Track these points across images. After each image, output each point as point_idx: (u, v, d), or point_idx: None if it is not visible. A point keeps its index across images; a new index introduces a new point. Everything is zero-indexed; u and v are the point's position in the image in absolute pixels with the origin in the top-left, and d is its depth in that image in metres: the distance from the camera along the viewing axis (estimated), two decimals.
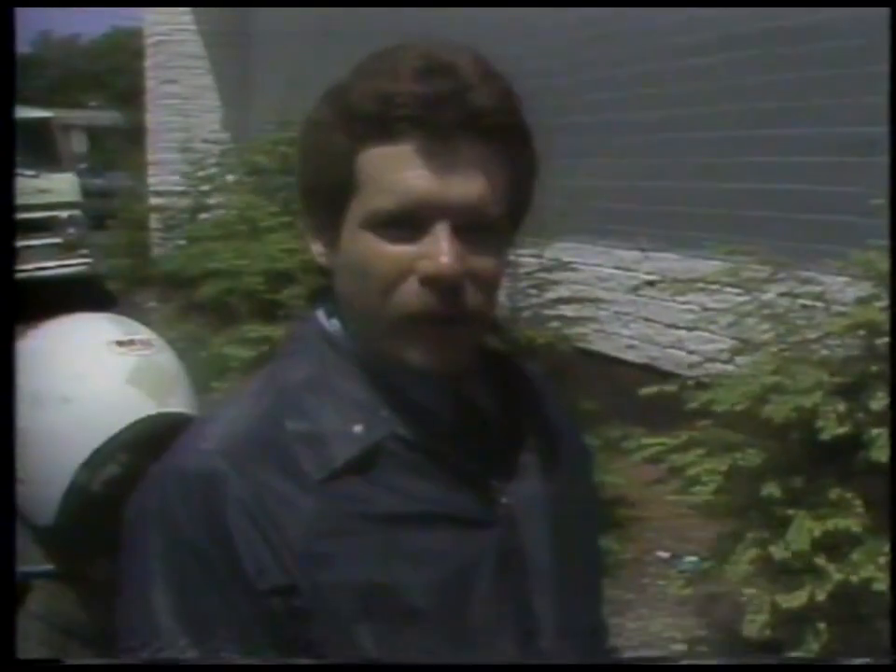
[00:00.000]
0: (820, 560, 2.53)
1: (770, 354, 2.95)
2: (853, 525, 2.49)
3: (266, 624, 0.86)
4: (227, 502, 0.86)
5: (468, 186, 0.87)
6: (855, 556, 2.50)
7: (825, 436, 2.55)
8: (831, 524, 2.52)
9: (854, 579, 2.45)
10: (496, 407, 1.00)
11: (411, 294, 0.88)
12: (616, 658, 1.06)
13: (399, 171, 0.87)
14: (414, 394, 0.93)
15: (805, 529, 2.53)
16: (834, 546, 2.56)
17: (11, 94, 1.21)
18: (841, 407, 2.57)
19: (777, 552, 2.57)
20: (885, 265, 2.73)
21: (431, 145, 0.86)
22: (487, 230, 0.90)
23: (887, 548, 2.46)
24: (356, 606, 0.87)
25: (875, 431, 2.48)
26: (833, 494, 2.59)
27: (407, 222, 0.87)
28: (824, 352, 2.86)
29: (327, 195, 0.92)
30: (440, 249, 0.86)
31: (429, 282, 0.87)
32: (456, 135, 0.87)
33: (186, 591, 0.86)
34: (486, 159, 0.88)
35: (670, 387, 3.19)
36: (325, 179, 0.91)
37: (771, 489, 2.66)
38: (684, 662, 0.86)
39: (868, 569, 2.45)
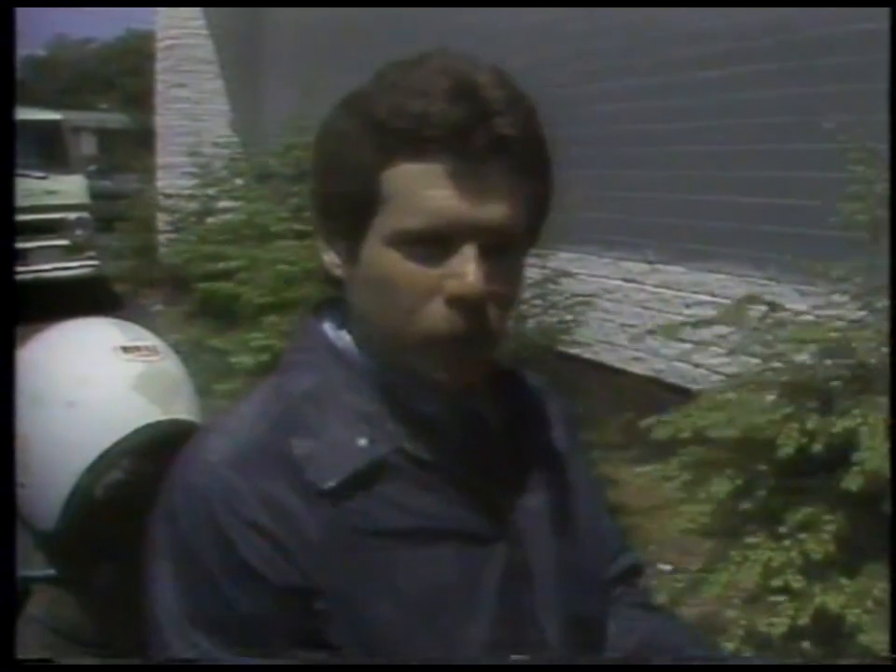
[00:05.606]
0: (799, 583, 2.47)
1: (755, 373, 2.96)
2: (815, 550, 2.44)
3: (274, 630, 0.86)
4: (236, 514, 0.86)
5: (495, 207, 0.88)
6: (835, 581, 2.46)
7: (783, 454, 2.54)
8: (795, 552, 2.48)
9: (832, 604, 2.40)
10: (501, 421, 1.00)
11: (436, 313, 0.88)
12: (615, 659, 1.06)
13: (429, 191, 0.87)
14: (421, 408, 0.93)
15: (758, 563, 2.50)
16: (813, 568, 2.51)
17: (11, 94, 1.22)
18: (810, 424, 2.55)
19: (746, 577, 2.56)
20: (837, 273, 2.80)
21: (461, 166, 0.87)
22: (509, 248, 0.91)
23: (862, 573, 2.43)
24: (359, 618, 0.87)
25: (856, 455, 2.44)
26: (801, 515, 2.55)
27: (435, 242, 0.88)
28: (807, 366, 2.86)
29: (348, 207, 0.91)
30: (467, 270, 0.87)
31: (456, 301, 0.88)
32: (485, 157, 0.87)
33: (201, 599, 0.87)
34: (512, 179, 0.89)
35: (663, 416, 3.17)
36: (346, 190, 0.91)
37: (745, 507, 2.66)
38: (683, 662, 0.86)
39: (840, 597, 2.40)
